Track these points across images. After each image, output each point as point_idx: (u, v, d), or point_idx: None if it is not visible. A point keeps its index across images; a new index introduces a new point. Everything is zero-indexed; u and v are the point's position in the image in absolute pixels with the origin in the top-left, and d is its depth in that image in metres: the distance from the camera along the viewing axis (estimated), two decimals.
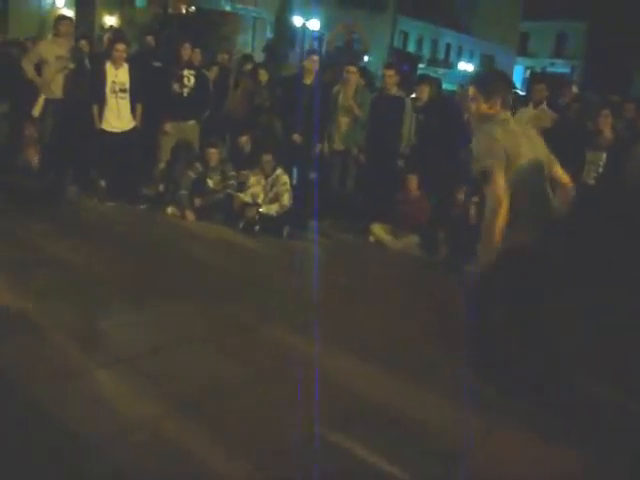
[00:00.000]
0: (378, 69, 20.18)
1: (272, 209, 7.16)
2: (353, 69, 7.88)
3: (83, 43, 7.99)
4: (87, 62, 7.90)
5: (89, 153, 7.95)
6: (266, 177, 7.33)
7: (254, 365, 4.07)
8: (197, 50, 8.45)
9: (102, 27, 19.34)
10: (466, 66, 43.76)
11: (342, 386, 3.89)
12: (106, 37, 9.47)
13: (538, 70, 36.94)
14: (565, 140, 6.81)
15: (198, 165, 7.51)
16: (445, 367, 4.25)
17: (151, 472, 2.98)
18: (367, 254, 6.98)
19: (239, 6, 23.48)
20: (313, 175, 7.86)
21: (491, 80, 3.91)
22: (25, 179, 7.24)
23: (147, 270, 5.60)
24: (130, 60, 7.66)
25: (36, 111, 7.59)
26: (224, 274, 5.71)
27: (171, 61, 8.11)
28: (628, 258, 6.06)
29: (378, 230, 7.19)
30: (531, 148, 3.74)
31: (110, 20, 20.64)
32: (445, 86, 12.88)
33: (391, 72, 7.77)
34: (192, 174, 7.46)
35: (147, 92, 7.68)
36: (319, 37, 26.60)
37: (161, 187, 7.81)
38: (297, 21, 25.46)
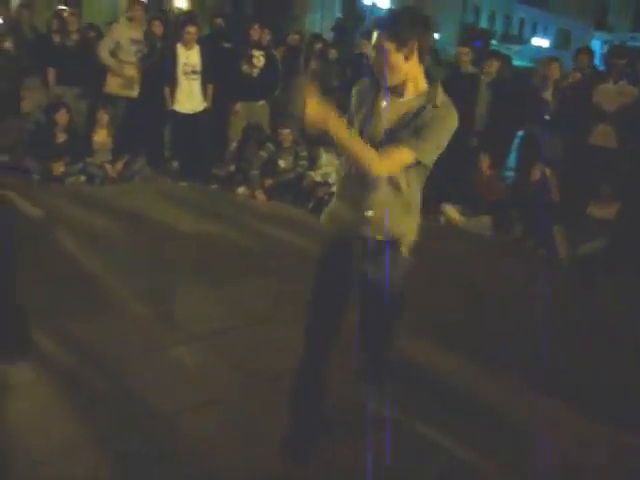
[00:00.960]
0: (449, 45, 19.77)
1: None
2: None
3: (156, 24, 8.07)
4: (158, 44, 7.99)
5: (161, 134, 8.08)
6: (338, 156, 7.28)
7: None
8: (266, 30, 8.45)
9: (172, 9, 19.57)
10: (541, 42, 42.46)
11: (422, 369, 3.86)
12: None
13: (617, 44, 35.52)
14: None
15: (270, 145, 7.53)
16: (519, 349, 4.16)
17: (225, 449, 3.01)
18: (439, 235, 6.87)
19: None
20: None
21: (403, 19, 2.59)
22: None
23: (217, 250, 5.66)
24: (201, 42, 7.73)
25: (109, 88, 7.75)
26: (296, 253, 5.71)
27: (241, 42, 8.15)
28: None
29: (450, 211, 7.06)
30: None
31: (180, 2, 20.83)
32: (519, 63, 12.55)
33: (466, 49, 7.62)
34: (264, 154, 7.48)
35: (218, 73, 7.75)
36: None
37: (232, 167, 7.87)
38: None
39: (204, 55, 7.56)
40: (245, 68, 7.91)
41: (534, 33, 44.55)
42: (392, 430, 3.10)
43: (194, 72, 7.54)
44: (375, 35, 2.60)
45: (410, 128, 2.61)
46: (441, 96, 2.70)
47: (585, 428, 3.43)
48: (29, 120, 7.72)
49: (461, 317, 4.67)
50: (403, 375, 3.64)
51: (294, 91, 8.06)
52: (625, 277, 5.72)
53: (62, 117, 7.36)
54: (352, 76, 8.04)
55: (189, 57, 7.51)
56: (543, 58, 8.35)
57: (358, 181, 2.73)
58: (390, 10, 2.88)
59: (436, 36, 24.32)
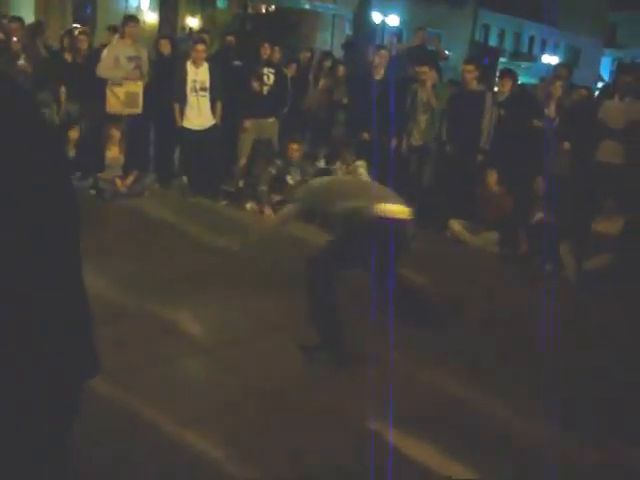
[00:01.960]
0: (458, 64, 19.89)
1: None
2: (424, 69, 7.79)
3: (164, 43, 8.18)
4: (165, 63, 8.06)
5: (171, 150, 8.18)
6: (347, 166, 7.35)
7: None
8: (277, 48, 8.56)
9: (184, 28, 19.82)
10: (550, 59, 42.49)
11: (418, 386, 3.88)
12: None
13: (627, 61, 35.54)
14: None
15: (278, 162, 7.60)
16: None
17: (224, 463, 3.04)
18: (445, 251, 6.89)
19: (318, 4, 23.60)
20: None
21: None
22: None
23: (225, 264, 5.70)
24: (210, 59, 7.85)
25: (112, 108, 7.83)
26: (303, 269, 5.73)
27: (251, 59, 8.26)
28: None
29: (456, 226, 7.09)
30: None
31: (192, 21, 21.11)
32: (529, 80, 12.60)
33: (470, 67, 7.66)
34: (272, 170, 7.55)
35: (227, 90, 7.86)
36: (398, 33, 26.44)
37: (241, 183, 7.95)
38: (376, 17, 25.37)
39: (213, 72, 7.67)
40: (255, 85, 8.02)
41: (543, 50, 44.63)
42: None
43: (203, 89, 7.66)
44: None
45: None
46: None
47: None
48: None
49: (470, 335, 4.67)
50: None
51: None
52: (632, 291, 5.73)
53: (74, 133, 7.48)
54: (360, 93, 8.12)
55: (198, 74, 7.63)
56: (548, 76, 8.42)
57: None
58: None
59: (447, 53, 24.54)
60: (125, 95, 7.80)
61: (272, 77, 8.07)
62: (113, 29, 8.78)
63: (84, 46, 8.10)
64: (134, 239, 6.15)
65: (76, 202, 1.24)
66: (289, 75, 8.53)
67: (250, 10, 21.84)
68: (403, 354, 4.12)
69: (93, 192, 7.49)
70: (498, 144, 7.40)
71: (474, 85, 7.59)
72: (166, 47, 8.20)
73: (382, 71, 7.84)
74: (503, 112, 7.44)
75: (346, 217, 4.07)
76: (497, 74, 10.19)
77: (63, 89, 7.96)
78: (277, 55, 8.59)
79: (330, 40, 24.34)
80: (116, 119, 7.83)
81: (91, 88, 7.85)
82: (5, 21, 8.46)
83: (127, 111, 7.88)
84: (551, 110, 7.28)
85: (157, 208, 7.33)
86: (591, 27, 43.45)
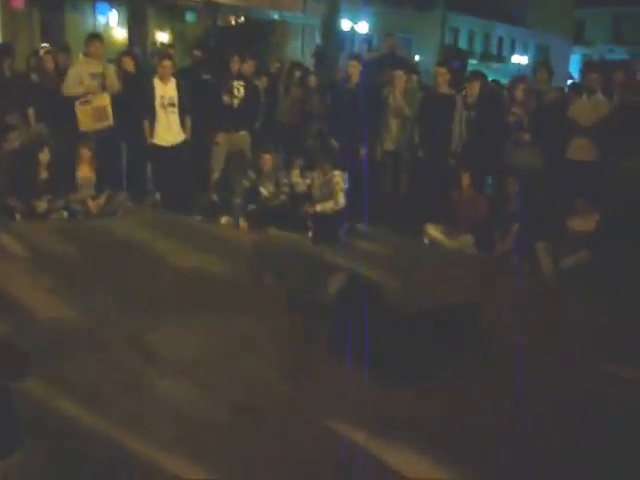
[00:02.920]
0: (429, 67, 19.98)
1: (327, 207, 7.17)
2: (400, 73, 7.80)
3: (127, 60, 8.12)
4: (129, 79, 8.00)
5: (142, 167, 8.12)
6: (323, 175, 7.35)
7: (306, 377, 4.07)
8: (251, 62, 8.52)
9: (154, 43, 19.73)
10: (520, 59, 42.89)
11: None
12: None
13: (595, 58, 35.94)
14: (627, 127, 6.64)
15: (251, 173, 7.57)
16: None
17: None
18: (422, 254, 6.89)
19: (287, 14, 23.59)
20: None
21: None
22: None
23: (202, 282, 5.65)
24: (178, 74, 7.80)
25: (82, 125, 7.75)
26: (281, 285, 5.68)
27: (221, 73, 8.21)
28: None
29: (432, 230, 7.09)
30: None
31: (162, 36, 21.01)
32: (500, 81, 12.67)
33: (443, 70, 7.67)
34: (246, 182, 7.52)
35: (196, 105, 7.81)
36: (368, 40, 26.52)
37: (215, 197, 7.90)
38: (345, 25, 25.43)
39: (181, 88, 7.63)
40: (225, 99, 7.96)
41: (513, 51, 45.04)
42: None
43: (171, 105, 7.62)
44: None
45: None
46: None
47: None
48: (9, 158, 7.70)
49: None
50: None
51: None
52: (609, 287, 5.76)
53: (44, 155, 7.39)
54: (332, 102, 8.12)
55: (166, 90, 7.60)
56: (511, 79, 8.46)
57: None
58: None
59: (416, 58, 24.64)
60: (93, 110, 7.71)
61: (242, 90, 8.02)
62: None
63: (50, 66, 8.00)
64: (108, 261, 6.06)
65: None
66: (261, 87, 8.51)
67: (220, 22, 21.78)
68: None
69: (65, 214, 7.40)
70: (469, 146, 7.42)
71: (445, 88, 7.61)
72: (129, 64, 8.13)
73: (355, 79, 7.84)
74: (473, 114, 7.45)
75: None
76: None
77: (31, 111, 7.87)
78: (251, 67, 8.56)
79: (301, 50, 24.38)
80: (87, 137, 7.74)
81: (59, 108, 7.76)
82: None
83: (98, 125, 7.79)
84: (520, 110, 7.29)
85: (131, 227, 7.25)
86: (559, 25, 43.92)
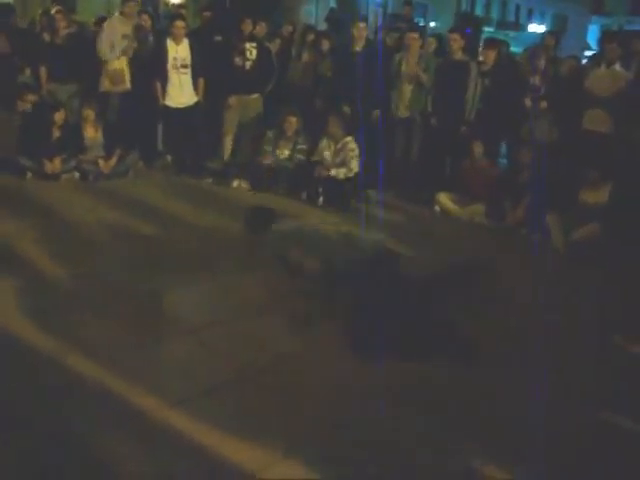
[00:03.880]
0: (444, 34, 19.69)
1: (340, 173, 7.14)
2: (415, 35, 7.67)
3: (144, 18, 8.06)
4: (150, 38, 7.98)
5: (154, 128, 8.09)
6: (335, 143, 7.30)
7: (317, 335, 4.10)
8: (262, 23, 8.42)
9: (166, 4, 19.53)
10: (537, 28, 42.26)
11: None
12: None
13: (614, 28, 35.32)
14: None
15: (270, 134, 7.51)
16: None
17: (211, 443, 3.03)
18: (433, 223, 6.87)
19: None
20: None
21: None
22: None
23: (212, 243, 5.67)
24: (190, 35, 7.72)
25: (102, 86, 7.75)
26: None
27: (232, 35, 8.12)
28: None
29: (444, 199, 7.06)
30: None
31: None
32: (516, 49, 12.50)
33: (456, 36, 7.55)
34: (267, 147, 7.47)
35: (209, 67, 7.74)
36: (382, 3, 26.13)
37: (227, 160, 7.88)
38: None
39: (194, 49, 7.56)
40: (237, 61, 7.88)
41: (530, 19, 44.35)
42: None
43: (184, 66, 7.56)
44: None
45: None
46: None
47: None
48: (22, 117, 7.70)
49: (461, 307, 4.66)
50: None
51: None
52: (619, 260, 5.73)
53: (59, 116, 7.37)
54: (344, 66, 8.02)
55: (179, 51, 7.53)
56: (532, 46, 8.34)
57: None
58: None
59: (432, 24, 24.29)
60: (113, 73, 7.71)
61: (254, 52, 7.93)
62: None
63: (62, 25, 7.94)
64: (118, 221, 6.08)
65: None
66: (273, 50, 8.41)
67: None
68: None
69: (77, 174, 7.41)
70: (483, 115, 7.34)
71: (459, 55, 7.51)
72: (147, 22, 8.06)
73: (362, 43, 7.75)
74: (488, 82, 7.36)
75: None
76: (481, 43, 10.12)
77: (43, 70, 7.84)
78: (262, 30, 8.45)
79: (315, 13, 24.05)
80: (104, 98, 7.73)
81: (83, 68, 7.75)
82: None
83: (115, 89, 7.79)
84: (536, 80, 7.21)
85: (142, 188, 7.25)
86: None
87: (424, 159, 7.76)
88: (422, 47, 7.79)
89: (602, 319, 4.64)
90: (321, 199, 7.07)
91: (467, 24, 9.53)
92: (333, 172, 7.14)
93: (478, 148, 7.03)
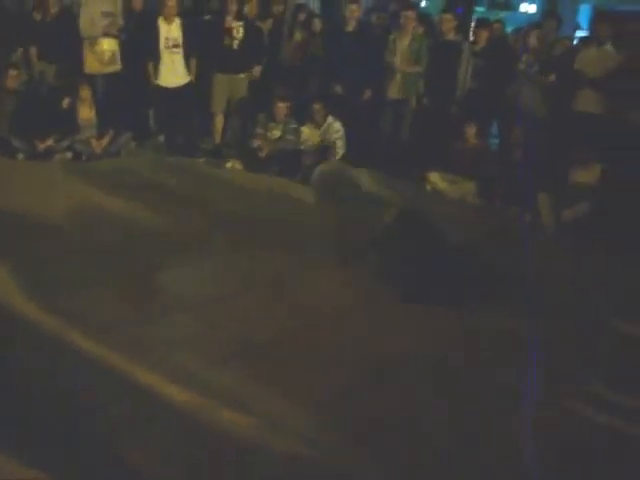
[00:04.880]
0: (435, 14, 19.57)
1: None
2: (410, 14, 7.61)
3: None
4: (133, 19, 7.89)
5: (146, 108, 8.08)
6: (318, 127, 7.31)
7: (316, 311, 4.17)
8: (253, 2, 8.35)
9: None
10: (528, 7, 42.09)
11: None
12: None
13: (605, 9, 35.18)
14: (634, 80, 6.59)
15: (262, 117, 7.51)
16: None
17: (211, 418, 3.08)
18: (426, 202, 6.90)
19: None
20: None
21: None
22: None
23: (211, 220, 5.70)
24: (182, 15, 7.68)
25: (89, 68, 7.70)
26: (283, 225, 5.76)
27: (220, 14, 8.05)
28: None
29: (435, 178, 7.10)
30: None
31: None
32: (507, 29, 12.46)
33: (448, 17, 7.57)
34: (259, 130, 7.47)
35: (200, 46, 7.71)
36: None
37: (218, 140, 7.88)
38: None
39: (185, 28, 7.53)
40: (224, 40, 7.81)
41: None
42: None
43: (176, 46, 7.52)
44: None
45: None
46: None
47: None
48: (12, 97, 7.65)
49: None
50: None
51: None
52: (610, 240, 5.80)
53: (66, 101, 7.35)
54: (336, 46, 8.00)
55: (170, 31, 7.49)
56: (523, 26, 8.36)
57: None
58: None
59: (423, 4, 24.02)
60: (104, 53, 7.66)
61: (241, 31, 7.86)
62: None
63: (52, 4, 7.87)
64: (114, 201, 6.07)
65: None
66: (265, 29, 8.36)
67: None
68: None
69: (69, 154, 7.39)
70: (475, 95, 7.36)
71: (451, 35, 7.52)
72: (138, 3, 8.00)
73: (354, 23, 7.74)
74: (480, 62, 7.37)
75: None
76: (472, 23, 10.09)
77: (33, 49, 7.78)
78: (254, 9, 8.39)
79: None
80: (91, 79, 7.69)
81: (66, 47, 7.69)
82: None
83: (106, 69, 7.74)
84: (529, 60, 7.23)
85: (135, 168, 7.21)
86: None
87: (416, 139, 7.78)
88: (415, 27, 7.76)
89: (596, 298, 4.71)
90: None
91: (458, 3, 9.48)
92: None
93: (471, 130, 7.06)
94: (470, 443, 3.03)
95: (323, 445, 2.92)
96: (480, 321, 4.17)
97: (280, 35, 8.74)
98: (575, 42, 9.01)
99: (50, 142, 7.23)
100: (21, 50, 7.90)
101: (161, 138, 8.04)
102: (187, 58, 7.64)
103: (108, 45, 7.65)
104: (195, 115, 8.05)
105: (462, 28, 7.85)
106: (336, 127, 7.25)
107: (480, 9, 27.84)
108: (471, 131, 7.06)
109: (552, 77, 7.13)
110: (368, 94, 7.65)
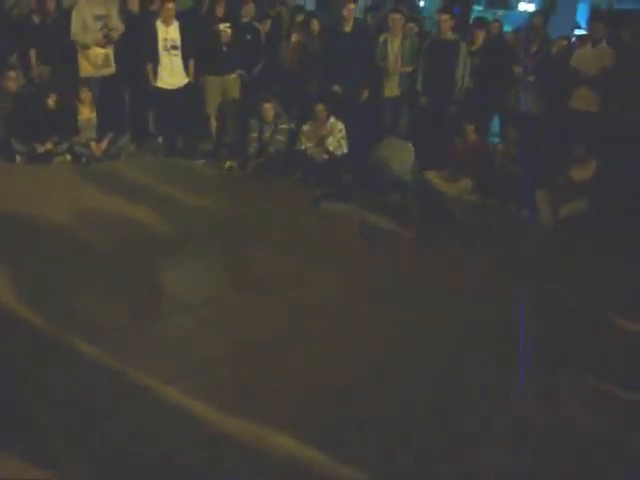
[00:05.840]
0: (433, 13, 19.58)
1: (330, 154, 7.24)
2: (397, 16, 7.72)
3: (133, 0, 7.99)
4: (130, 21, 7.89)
5: (145, 110, 8.10)
6: (322, 127, 7.33)
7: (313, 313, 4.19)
8: (251, 4, 8.36)
9: None
10: (527, 6, 42.08)
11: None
12: None
13: (604, 7, 35.18)
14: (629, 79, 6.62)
15: (254, 121, 7.53)
16: None
17: (207, 417, 3.10)
18: None
19: None
20: None
21: None
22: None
23: (208, 222, 5.74)
24: (180, 17, 7.70)
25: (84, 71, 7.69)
26: (283, 225, 5.78)
27: (210, 16, 8.05)
28: None
29: (432, 176, 7.11)
30: None
31: None
32: (505, 28, 12.46)
33: (446, 17, 7.58)
34: (253, 133, 7.48)
35: (198, 48, 7.73)
36: None
37: (215, 141, 7.90)
38: None
39: (183, 30, 7.55)
40: (213, 42, 7.79)
41: None
42: None
43: (174, 47, 7.54)
44: None
45: None
46: None
47: None
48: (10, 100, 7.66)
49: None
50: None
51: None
52: (606, 235, 5.82)
53: (52, 99, 7.37)
54: (332, 47, 8.02)
55: (169, 33, 7.51)
56: (521, 26, 8.39)
57: None
58: None
59: (422, 4, 24.01)
60: (97, 57, 7.66)
61: (229, 32, 7.83)
62: None
63: (51, 6, 7.89)
64: (113, 202, 6.11)
65: None
66: (263, 31, 8.39)
67: None
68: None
69: (69, 157, 7.42)
70: (472, 93, 7.38)
71: (449, 35, 7.54)
72: (134, 4, 8.02)
73: (351, 23, 7.78)
74: (477, 61, 7.40)
75: None
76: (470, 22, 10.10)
77: (33, 52, 7.80)
78: (251, 11, 8.40)
79: None
80: (88, 82, 7.70)
81: (61, 51, 7.69)
82: None
83: (100, 72, 7.74)
84: (526, 59, 7.25)
85: (134, 170, 7.27)
86: None
87: (413, 138, 7.79)
88: (404, 28, 7.81)
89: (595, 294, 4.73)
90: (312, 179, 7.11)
91: (456, 3, 9.49)
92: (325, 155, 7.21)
93: (470, 129, 7.07)
94: (470, 443, 3.06)
95: (323, 445, 2.93)
96: None
97: (278, 35, 8.77)
98: (573, 40, 9.04)
99: (49, 145, 7.27)
100: (20, 52, 7.91)
101: (160, 140, 8.06)
102: (185, 59, 7.66)
103: (102, 49, 7.64)
104: (194, 116, 8.06)
105: (460, 27, 7.83)
106: (339, 127, 7.28)
107: (478, 8, 27.82)
108: (470, 130, 7.08)
109: (548, 75, 7.14)
110: (365, 94, 7.70)
